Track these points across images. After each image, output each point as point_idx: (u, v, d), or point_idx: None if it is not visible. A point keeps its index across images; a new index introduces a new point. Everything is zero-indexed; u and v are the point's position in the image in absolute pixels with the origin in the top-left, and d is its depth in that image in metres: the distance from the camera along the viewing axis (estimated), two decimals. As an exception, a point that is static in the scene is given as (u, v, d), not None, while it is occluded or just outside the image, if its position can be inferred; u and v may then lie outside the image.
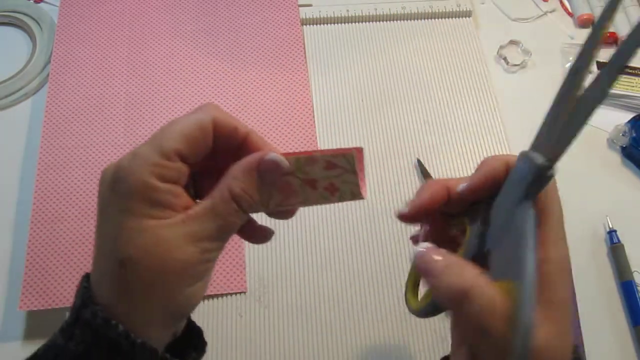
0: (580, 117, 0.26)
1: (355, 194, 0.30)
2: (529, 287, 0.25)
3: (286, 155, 0.29)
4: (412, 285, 0.36)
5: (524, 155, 0.27)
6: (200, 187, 0.31)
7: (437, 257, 0.28)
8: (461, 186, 0.30)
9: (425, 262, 0.28)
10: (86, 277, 0.29)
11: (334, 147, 0.30)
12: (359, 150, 0.30)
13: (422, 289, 0.34)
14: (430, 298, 0.32)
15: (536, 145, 0.27)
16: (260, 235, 0.33)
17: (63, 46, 0.65)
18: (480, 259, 0.29)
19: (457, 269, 0.27)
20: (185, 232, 0.27)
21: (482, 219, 0.30)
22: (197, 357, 0.34)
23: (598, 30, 0.26)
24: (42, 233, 0.53)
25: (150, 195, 0.27)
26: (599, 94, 0.26)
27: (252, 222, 0.32)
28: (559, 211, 0.28)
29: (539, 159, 0.26)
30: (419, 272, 0.29)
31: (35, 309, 0.50)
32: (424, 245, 0.29)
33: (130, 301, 0.27)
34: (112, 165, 0.28)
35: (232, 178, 0.28)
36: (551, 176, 0.26)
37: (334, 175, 0.30)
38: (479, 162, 0.31)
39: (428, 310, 0.32)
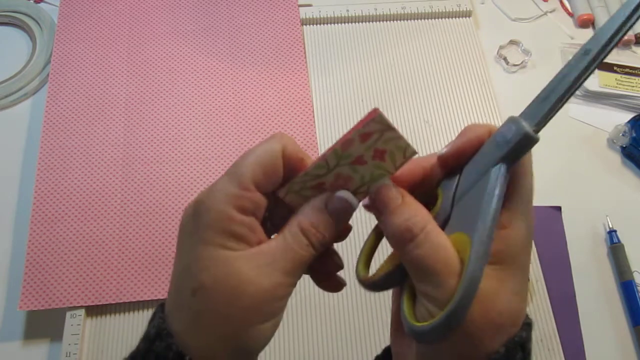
0: (568, 93, 0.26)
1: (403, 147, 0.29)
2: (482, 240, 0.25)
3: (324, 154, 0.29)
4: (366, 255, 0.34)
5: (511, 120, 0.27)
6: (275, 222, 0.31)
7: (397, 194, 0.28)
8: (443, 150, 0.30)
9: (384, 197, 0.29)
10: (160, 307, 0.30)
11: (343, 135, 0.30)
12: (377, 110, 0.30)
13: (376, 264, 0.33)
14: (389, 268, 0.30)
15: (525, 115, 0.27)
16: (332, 284, 0.33)
17: (63, 46, 0.65)
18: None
19: (412, 210, 0.28)
20: (258, 264, 0.27)
21: (455, 185, 0.30)
22: None
23: (623, 27, 0.26)
24: (42, 233, 0.53)
25: (227, 226, 0.27)
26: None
27: (327, 265, 0.32)
28: (530, 187, 0.28)
29: (527, 124, 0.26)
30: (376, 205, 0.29)
31: (35, 309, 0.50)
32: (388, 181, 0.29)
33: (198, 332, 0.27)
34: (192, 201, 0.29)
35: (303, 214, 0.29)
36: (536, 140, 0.26)
37: (374, 141, 0.29)
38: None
39: (383, 281, 0.31)
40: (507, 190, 0.27)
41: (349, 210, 0.30)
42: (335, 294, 0.52)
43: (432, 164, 0.30)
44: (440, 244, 0.26)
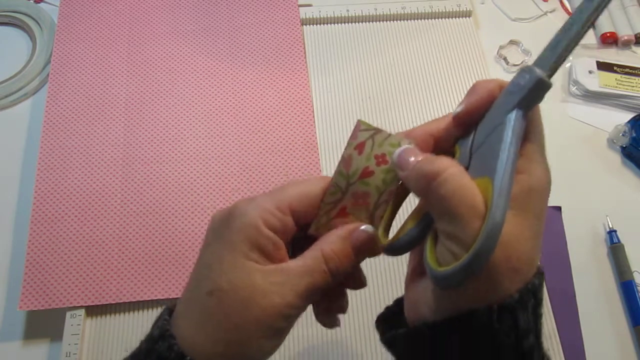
0: (576, 39, 0.26)
1: (397, 143, 0.30)
2: (503, 182, 0.25)
3: (332, 180, 0.31)
4: (386, 221, 0.33)
5: (524, 69, 0.27)
6: (297, 253, 0.32)
7: (417, 151, 0.29)
8: (457, 109, 0.30)
9: (407, 154, 0.29)
10: (167, 311, 0.31)
11: (342, 147, 0.31)
12: (359, 120, 0.31)
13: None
14: (409, 227, 0.31)
15: (539, 61, 0.27)
16: (329, 321, 0.34)
17: (63, 46, 0.65)
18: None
19: (433, 157, 0.28)
20: (275, 281, 0.28)
21: (472, 139, 0.30)
22: None
23: None
24: (42, 233, 0.53)
25: (254, 237, 0.28)
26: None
27: (334, 303, 0.33)
28: (543, 134, 0.29)
29: (540, 71, 0.27)
30: (400, 165, 0.30)
31: (35, 309, 0.50)
32: (405, 146, 0.30)
33: (206, 332, 0.28)
34: (228, 206, 0.30)
35: (325, 242, 0.30)
36: (549, 85, 0.27)
37: (370, 148, 0.30)
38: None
39: (404, 241, 0.31)
40: (525, 135, 0.28)
41: (371, 242, 0.31)
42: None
43: (447, 123, 0.31)
44: (464, 184, 0.26)
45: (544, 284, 0.29)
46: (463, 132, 0.31)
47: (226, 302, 0.28)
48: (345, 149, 0.31)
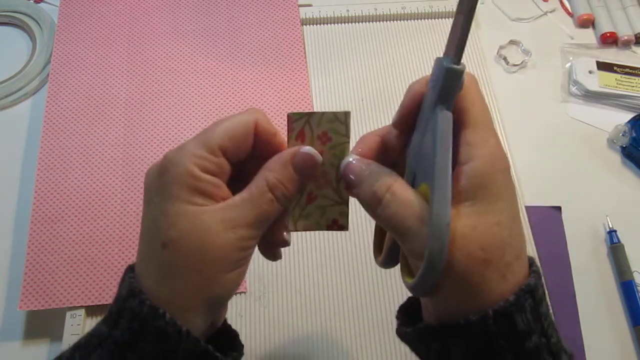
0: (468, 18, 0.26)
1: (332, 118, 0.31)
2: (440, 184, 0.26)
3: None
4: (376, 241, 0.36)
5: (435, 63, 0.27)
6: (238, 188, 0.32)
7: (360, 166, 0.30)
8: (393, 118, 0.31)
9: (348, 172, 0.31)
10: (130, 269, 0.31)
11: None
12: (288, 114, 0.32)
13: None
14: (388, 244, 0.33)
15: (446, 52, 0.27)
16: (272, 253, 0.35)
17: (63, 46, 0.65)
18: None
19: (375, 176, 0.29)
20: (224, 218, 0.29)
21: (414, 142, 0.31)
22: (237, 356, 0.34)
23: None
24: (42, 233, 0.53)
25: (192, 183, 0.29)
26: None
27: (276, 236, 0.33)
28: (483, 113, 0.28)
29: (446, 59, 0.26)
30: (346, 182, 0.31)
31: (35, 309, 0.50)
32: (353, 157, 0.31)
33: (171, 285, 0.29)
34: (158, 160, 0.30)
35: (268, 170, 0.30)
36: (460, 71, 0.26)
37: (310, 133, 0.31)
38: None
39: (387, 256, 0.33)
40: (459, 125, 0.28)
41: (313, 163, 0.31)
42: (332, 295, 0.52)
43: (388, 131, 0.31)
44: (405, 199, 0.27)
45: (543, 283, 0.29)
46: (407, 137, 0.31)
47: (181, 252, 0.28)
48: (288, 143, 0.31)
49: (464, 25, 0.26)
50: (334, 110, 0.31)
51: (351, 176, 0.30)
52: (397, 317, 0.35)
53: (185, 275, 0.28)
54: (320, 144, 0.31)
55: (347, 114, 0.31)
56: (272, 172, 0.30)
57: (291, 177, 0.30)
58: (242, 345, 0.35)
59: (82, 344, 0.30)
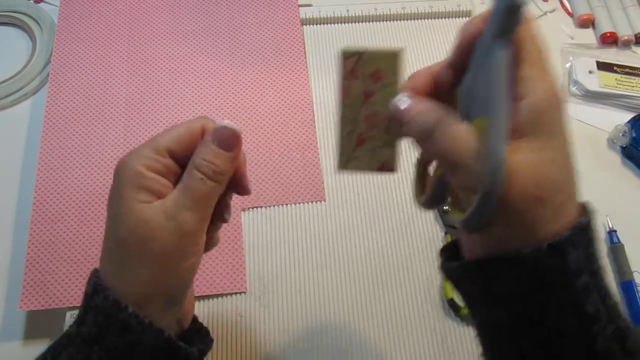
0: None
1: (387, 54, 0.30)
2: (496, 118, 0.25)
3: (338, 115, 0.33)
4: (418, 183, 0.35)
5: None
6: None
7: (410, 103, 0.30)
8: (447, 58, 0.31)
9: (399, 110, 0.30)
10: (96, 271, 0.32)
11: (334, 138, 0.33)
12: (342, 49, 0.31)
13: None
14: (433, 182, 0.32)
15: None
16: (213, 236, 0.37)
17: (63, 46, 0.65)
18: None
19: (425, 111, 0.29)
20: (164, 209, 0.30)
21: (469, 79, 0.30)
22: (204, 349, 0.36)
23: None
24: (42, 233, 0.53)
25: (139, 181, 0.30)
26: None
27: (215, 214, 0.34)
28: (538, 49, 0.28)
29: None
30: (398, 120, 0.30)
31: (35, 309, 0.50)
32: (404, 94, 0.30)
33: (128, 279, 0.30)
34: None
35: (194, 155, 0.32)
36: (520, 4, 0.26)
37: (363, 70, 0.31)
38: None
39: (432, 196, 0.33)
40: (517, 60, 0.27)
41: (233, 134, 0.32)
42: (333, 295, 0.52)
43: (442, 66, 0.31)
44: (456, 133, 0.27)
45: (596, 223, 0.28)
46: (460, 76, 0.30)
47: (132, 248, 0.30)
48: (340, 81, 0.31)
49: None
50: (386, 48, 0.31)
51: (403, 113, 0.30)
52: (440, 255, 0.34)
53: (138, 269, 0.30)
54: (372, 82, 0.31)
55: (399, 52, 0.30)
56: (197, 155, 0.32)
57: (215, 153, 0.32)
58: (212, 340, 0.38)
59: (54, 344, 0.32)
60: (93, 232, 0.54)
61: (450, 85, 0.31)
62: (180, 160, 0.32)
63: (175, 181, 0.32)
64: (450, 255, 0.33)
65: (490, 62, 0.27)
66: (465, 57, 0.29)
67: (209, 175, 0.31)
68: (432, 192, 0.33)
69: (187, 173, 0.32)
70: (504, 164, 0.25)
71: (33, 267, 0.52)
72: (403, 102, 0.30)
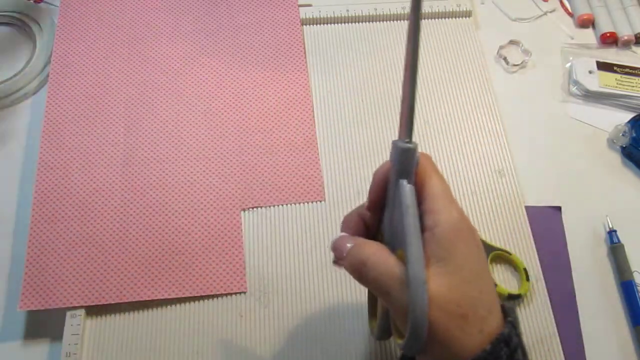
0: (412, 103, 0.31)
1: None
2: (411, 249, 0.29)
3: None
4: (370, 314, 0.42)
5: (392, 145, 0.32)
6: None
7: (348, 240, 0.34)
8: (365, 203, 0.36)
9: (337, 248, 0.34)
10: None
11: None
12: None
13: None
14: (380, 315, 0.37)
15: (399, 135, 0.32)
16: None
17: (63, 46, 0.65)
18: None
19: (360, 247, 0.33)
20: None
21: (388, 216, 0.35)
22: None
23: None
24: (42, 233, 0.53)
25: None
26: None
27: None
28: (440, 184, 0.32)
29: (399, 142, 0.31)
30: (337, 255, 0.35)
31: (35, 309, 0.50)
32: (340, 234, 0.35)
33: None
34: None
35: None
36: (413, 149, 0.31)
37: None
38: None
39: (379, 328, 0.38)
40: (420, 196, 0.31)
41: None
42: (333, 295, 0.52)
43: (365, 208, 0.36)
44: (385, 264, 0.31)
45: (520, 331, 0.32)
46: (381, 214, 0.35)
47: None
48: None
49: (409, 112, 0.31)
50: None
51: (340, 249, 0.34)
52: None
53: None
54: None
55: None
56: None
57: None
58: None
59: None
60: (93, 232, 0.54)
61: (375, 224, 0.36)
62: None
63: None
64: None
65: (399, 200, 0.31)
66: (381, 197, 0.34)
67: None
68: (379, 323, 0.38)
69: None
70: (426, 286, 0.28)
71: (33, 267, 0.52)
72: (339, 239, 0.35)
